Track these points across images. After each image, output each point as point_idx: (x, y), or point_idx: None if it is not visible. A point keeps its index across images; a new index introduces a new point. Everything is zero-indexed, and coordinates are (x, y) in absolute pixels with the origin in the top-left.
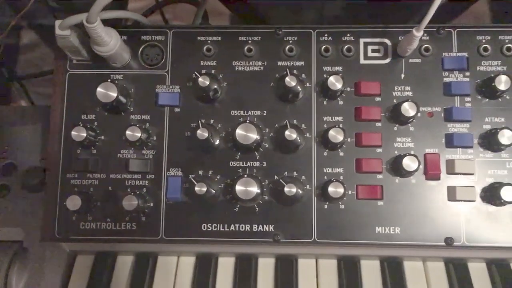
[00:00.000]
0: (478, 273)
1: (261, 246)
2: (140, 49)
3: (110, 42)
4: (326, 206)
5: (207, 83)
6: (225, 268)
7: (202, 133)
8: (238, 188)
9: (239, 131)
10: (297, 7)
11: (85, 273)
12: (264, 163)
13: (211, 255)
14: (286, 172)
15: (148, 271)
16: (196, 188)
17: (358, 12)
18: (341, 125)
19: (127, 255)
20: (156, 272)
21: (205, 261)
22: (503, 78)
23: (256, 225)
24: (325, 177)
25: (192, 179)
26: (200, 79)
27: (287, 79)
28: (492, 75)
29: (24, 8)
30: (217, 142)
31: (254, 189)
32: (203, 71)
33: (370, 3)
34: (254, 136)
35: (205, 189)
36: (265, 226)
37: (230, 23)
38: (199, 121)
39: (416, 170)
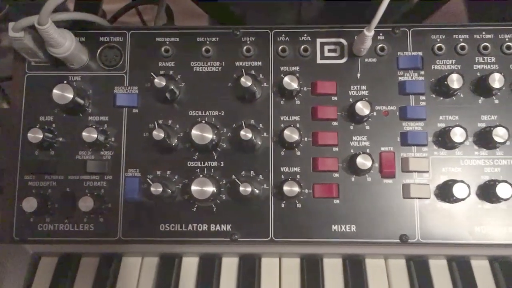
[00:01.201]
0: (439, 270)
1: (225, 246)
2: (99, 50)
3: (65, 43)
4: (283, 205)
5: (163, 83)
6: (189, 268)
7: (158, 134)
8: (194, 188)
9: (194, 132)
10: (275, 8)
11: (48, 275)
12: (222, 163)
13: (175, 255)
14: (243, 172)
15: (111, 272)
16: (152, 189)
17: (336, 12)
18: (298, 125)
19: (91, 256)
20: (119, 273)
21: (168, 262)
22: (455, 76)
23: (213, 225)
24: (282, 176)
25: (148, 179)
26: (156, 80)
27: (242, 79)
28: (446, 74)
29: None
30: (174, 143)
31: (210, 189)
32: (161, 72)
33: (348, 3)
34: (209, 136)
35: (161, 189)
36: (222, 225)
37: (209, 25)
38: (155, 122)
39: (370, 168)
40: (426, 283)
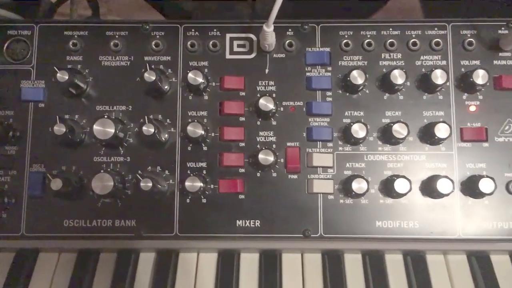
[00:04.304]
0: (353, 263)
1: (133, 241)
2: (6, 44)
3: None
4: (188, 200)
5: (66, 77)
6: (106, 263)
7: (60, 129)
8: (94, 183)
9: (96, 127)
10: (228, 3)
11: None
12: (128, 158)
13: (91, 251)
14: (150, 167)
15: (25, 268)
16: (51, 184)
17: (295, 7)
18: (205, 120)
19: (7, 252)
20: (35, 268)
21: (85, 257)
22: (356, 73)
23: (118, 220)
24: (189, 172)
25: (48, 175)
26: (58, 74)
27: (146, 74)
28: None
29: None
30: (79, 138)
31: (110, 184)
32: (69, 66)
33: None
34: (111, 131)
35: (60, 184)
36: (127, 221)
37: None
38: (57, 116)
39: (275, 164)
40: (338, 277)
